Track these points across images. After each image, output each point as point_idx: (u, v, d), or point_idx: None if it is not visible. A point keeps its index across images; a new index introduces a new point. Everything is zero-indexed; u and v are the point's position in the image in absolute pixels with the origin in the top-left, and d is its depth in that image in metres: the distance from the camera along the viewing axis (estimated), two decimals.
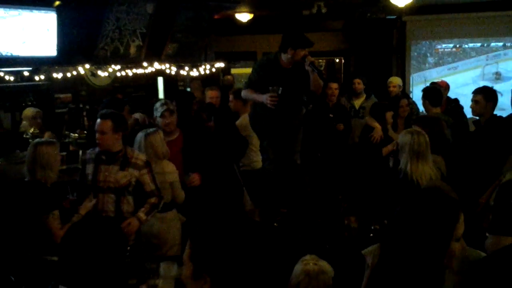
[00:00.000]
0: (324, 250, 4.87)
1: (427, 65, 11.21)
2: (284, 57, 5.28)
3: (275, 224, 5.79)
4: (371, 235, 4.60)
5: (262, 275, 3.17)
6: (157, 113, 5.29)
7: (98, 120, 4.40)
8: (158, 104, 5.34)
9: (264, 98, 5.17)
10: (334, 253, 4.91)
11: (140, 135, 4.83)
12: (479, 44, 10.72)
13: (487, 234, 3.07)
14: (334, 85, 7.14)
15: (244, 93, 5.70)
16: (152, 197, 4.49)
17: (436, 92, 6.35)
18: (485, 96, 5.45)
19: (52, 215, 4.02)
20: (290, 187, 5.88)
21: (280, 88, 5.10)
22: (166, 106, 5.27)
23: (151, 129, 4.91)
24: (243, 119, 6.38)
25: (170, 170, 4.82)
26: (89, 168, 4.48)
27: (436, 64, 11.12)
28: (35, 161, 4.11)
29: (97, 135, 4.37)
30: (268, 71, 5.37)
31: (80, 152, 6.49)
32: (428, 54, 11.20)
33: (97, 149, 4.50)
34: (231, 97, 6.80)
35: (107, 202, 4.39)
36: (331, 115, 6.88)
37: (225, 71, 12.73)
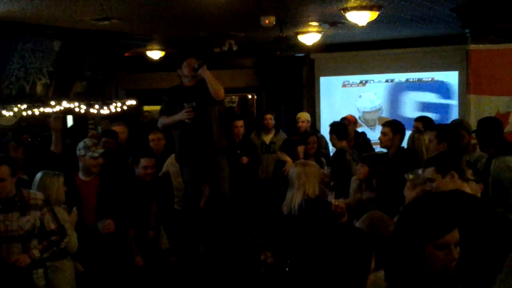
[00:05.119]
0: (241, 286, 4.84)
1: (335, 99, 11.53)
2: (184, 79, 5.68)
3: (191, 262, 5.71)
4: (287, 269, 4.60)
5: None
6: (88, 152, 5.07)
7: None
8: (89, 143, 5.12)
9: (181, 115, 5.44)
10: None
11: (38, 176, 4.57)
12: (384, 79, 11.20)
13: None
14: (240, 123, 7.21)
15: (160, 122, 5.83)
16: (53, 236, 4.22)
17: (343, 127, 6.77)
18: (393, 129, 5.56)
19: None
20: (208, 223, 5.82)
21: (194, 102, 5.39)
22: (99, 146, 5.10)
23: (50, 172, 4.62)
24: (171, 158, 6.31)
25: (62, 218, 4.49)
26: None
27: (344, 99, 11.47)
28: None
29: None
30: (174, 95, 5.66)
31: None
32: (336, 89, 11.55)
33: None
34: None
35: (14, 252, 4.05)
36: (238, 152, 6.92)
37: (136, 108, 12.60)
